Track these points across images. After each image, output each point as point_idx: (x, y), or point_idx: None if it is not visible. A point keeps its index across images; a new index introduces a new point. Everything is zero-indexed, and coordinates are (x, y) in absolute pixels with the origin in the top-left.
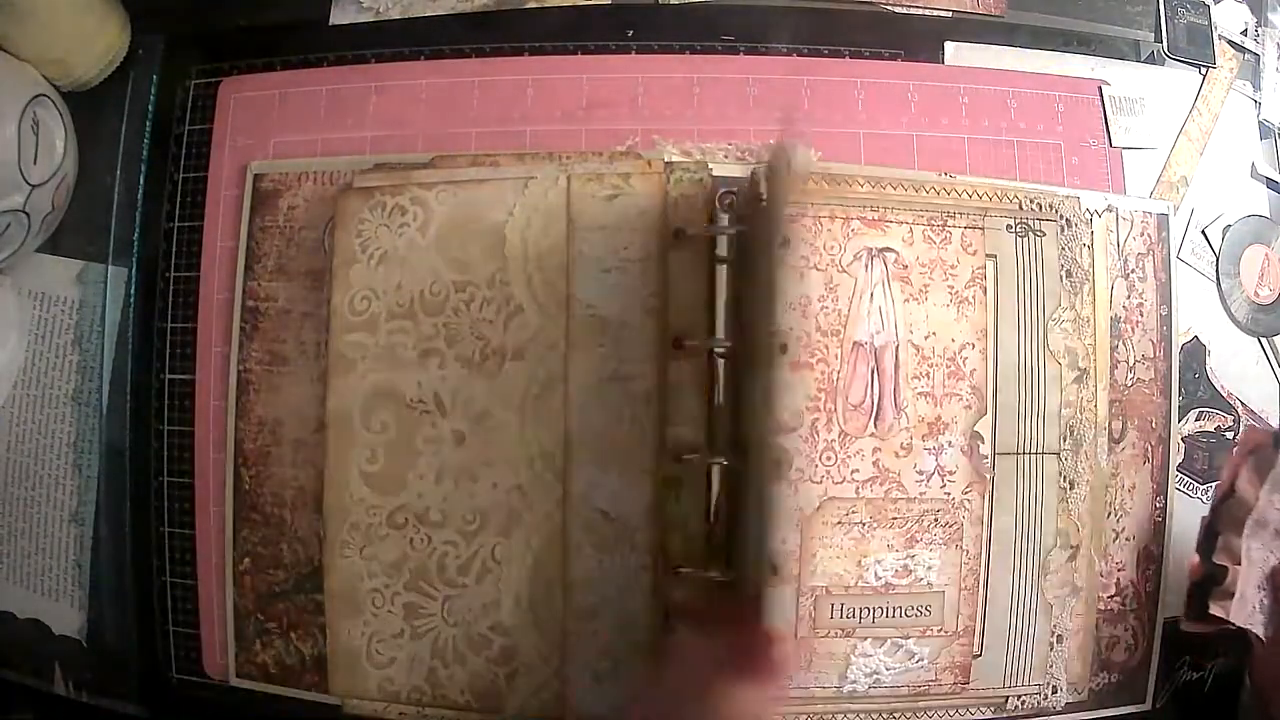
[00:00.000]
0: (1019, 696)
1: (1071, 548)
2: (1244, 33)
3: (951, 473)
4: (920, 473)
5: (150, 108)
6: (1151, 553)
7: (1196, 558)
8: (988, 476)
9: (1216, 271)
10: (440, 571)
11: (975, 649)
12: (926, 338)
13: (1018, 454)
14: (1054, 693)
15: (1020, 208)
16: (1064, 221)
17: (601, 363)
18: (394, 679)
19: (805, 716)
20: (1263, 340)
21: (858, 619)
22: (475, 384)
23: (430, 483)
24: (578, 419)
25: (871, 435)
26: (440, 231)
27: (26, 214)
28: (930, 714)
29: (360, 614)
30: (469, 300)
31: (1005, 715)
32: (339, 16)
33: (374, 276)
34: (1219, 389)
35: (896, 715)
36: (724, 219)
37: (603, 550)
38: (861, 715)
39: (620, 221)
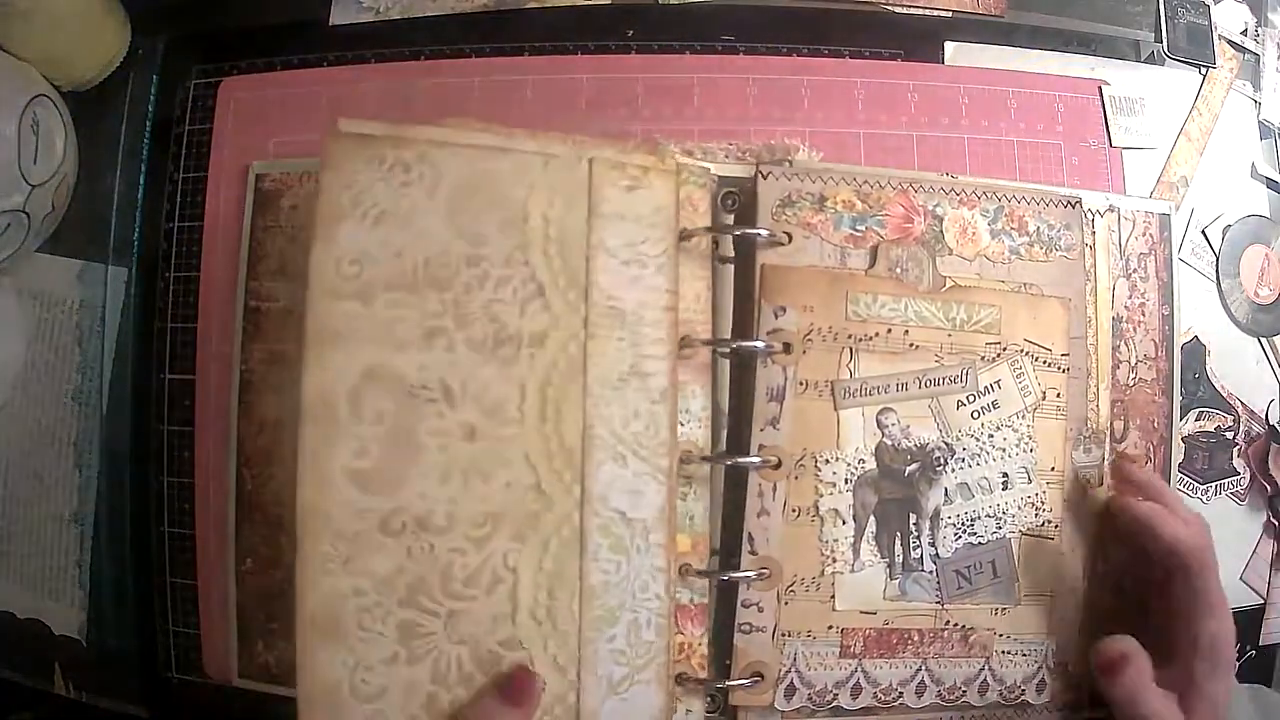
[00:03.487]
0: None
1: None
2: (1244, 33)
3: None
4: None
5: (150, 108)
6: None
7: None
8: None
9: (1216, 271)
10: (444, 583)
11: None
12: None
13: None
14: None
15: None
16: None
17: (620, 356)
18: (385, 712)
19: None
20: (1263, 340)
21: None
22: (489, 371)
23: (435, 482)
24: (596, 413)
25: None
26: (451, 197)
27: (26, 214)
28: (931, 712)
29: (343, 640)
30: (483, 277)
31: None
32: (339, 16)
33: (369, 238)
34: (1219, 389)
35: None
36: (726, 219)
37: (620, 552)
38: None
39: (639, 215)
